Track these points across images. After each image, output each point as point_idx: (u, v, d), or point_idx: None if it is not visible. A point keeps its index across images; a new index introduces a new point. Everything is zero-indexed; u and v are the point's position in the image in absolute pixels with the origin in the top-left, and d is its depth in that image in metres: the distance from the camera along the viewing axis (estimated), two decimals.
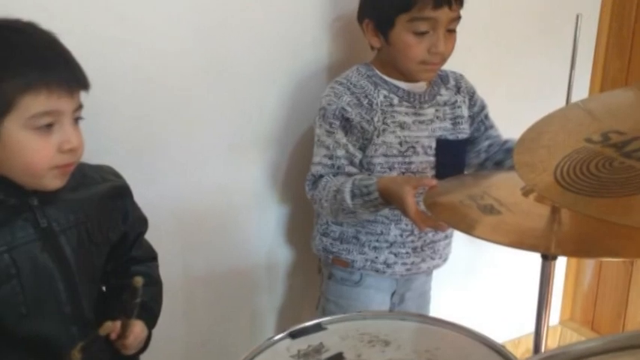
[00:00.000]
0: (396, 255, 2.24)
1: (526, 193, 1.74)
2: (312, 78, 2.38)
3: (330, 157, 2.09)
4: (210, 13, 2.15)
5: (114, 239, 1.76)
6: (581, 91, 3.13)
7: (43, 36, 1.51)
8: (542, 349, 1.83)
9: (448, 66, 2.19)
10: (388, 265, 2.25)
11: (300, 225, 2.53)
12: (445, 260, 2.37)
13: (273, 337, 1.67)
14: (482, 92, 2.35)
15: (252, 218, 2.46)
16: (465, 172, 2.33)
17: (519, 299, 2.98)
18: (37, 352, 1.58)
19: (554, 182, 1.31)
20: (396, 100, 2.14)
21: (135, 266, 1.82)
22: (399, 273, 2.27)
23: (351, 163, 2.10)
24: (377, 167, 2.13)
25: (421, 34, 2.03)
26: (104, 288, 1.80)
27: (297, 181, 2.33)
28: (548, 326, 1.82)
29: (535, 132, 1.53)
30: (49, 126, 1.47)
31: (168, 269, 1.95)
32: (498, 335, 1.77)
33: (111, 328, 1.55)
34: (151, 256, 1.90)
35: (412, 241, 2.24)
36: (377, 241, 2.22)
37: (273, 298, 2.61)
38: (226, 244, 2.42)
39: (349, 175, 2.06)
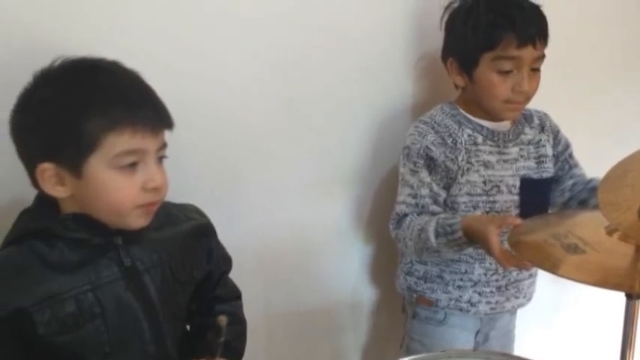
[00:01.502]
0: (480, 294, 2.18)
1: (610, 231, 1.67)
2: (396, 116, 2.35)
3: (415, 196, 2.05)
4: (291, 50, 2.13)
5: (198, 278, 1.73)
6: None
7: (128, 75, 1.49)
8: None
9: (532, 104, 2.14)
10: (472, 304, 2.18)
11: (385, 264, 2.48)
12: (529, 299, 2.30)
13: None
14: (565, 130, 2.29)
15: (335, 256, 2.42)
16: (549, 211, 2.27)
17: (603, 338, 2.90)
18: None
19: (639, 221, 1.35)
20: (480, 139, 2.10)
21: (219, 305, 1.79)
22: (483, 312, 2.21)
23: (435, 202, 2.05)
24: (461, 206, 2.09)
25: (505, 72, 2.01)
26: (188, 327, 1.77)
27: (382, 220, 2.28)
28: None
29: (619, 170, 1.55)
30: (133, 165, 1.44)
31: (250, 307, 1.91)
32: None
33: None
34: (236, 295, 1.87)
35: (496, 280, 2.18)
36: (461, 280, 2.16)
37: (357, 337, 2.57)
38: (309, 282, 2.38)
39: (433, 214, 2.02)
